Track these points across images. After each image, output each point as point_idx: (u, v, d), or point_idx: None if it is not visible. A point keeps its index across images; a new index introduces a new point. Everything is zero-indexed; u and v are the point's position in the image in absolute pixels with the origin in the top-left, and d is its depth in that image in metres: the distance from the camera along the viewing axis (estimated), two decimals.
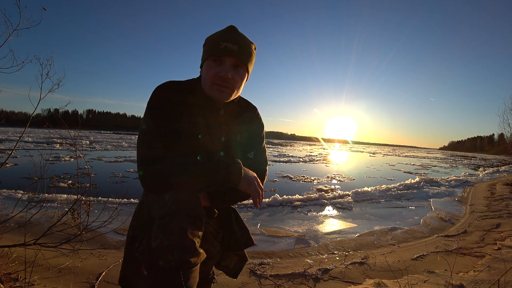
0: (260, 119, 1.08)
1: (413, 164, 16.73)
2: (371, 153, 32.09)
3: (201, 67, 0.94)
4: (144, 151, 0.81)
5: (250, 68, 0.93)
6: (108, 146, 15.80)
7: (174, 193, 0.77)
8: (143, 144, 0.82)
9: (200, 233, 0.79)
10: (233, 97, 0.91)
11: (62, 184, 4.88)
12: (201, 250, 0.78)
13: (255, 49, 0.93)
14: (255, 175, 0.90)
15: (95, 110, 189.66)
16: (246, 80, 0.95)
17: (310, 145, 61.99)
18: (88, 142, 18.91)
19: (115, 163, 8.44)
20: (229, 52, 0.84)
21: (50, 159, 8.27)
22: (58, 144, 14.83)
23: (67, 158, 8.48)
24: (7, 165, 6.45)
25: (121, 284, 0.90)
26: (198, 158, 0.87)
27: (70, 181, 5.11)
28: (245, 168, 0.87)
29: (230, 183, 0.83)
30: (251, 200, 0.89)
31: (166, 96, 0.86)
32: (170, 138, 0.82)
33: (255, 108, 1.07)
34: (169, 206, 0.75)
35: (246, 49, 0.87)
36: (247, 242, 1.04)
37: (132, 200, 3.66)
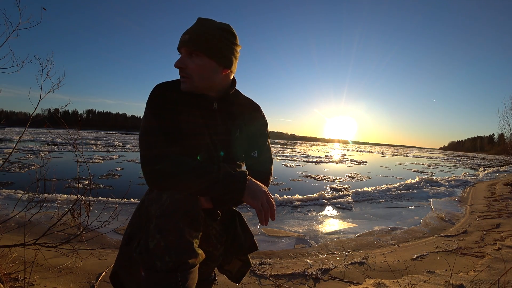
0: (263, 116, 1.04)
1: (422, 164, 17.27)
2: (379, 153, 32.75)
3: None
4: (145, 151, 0.81)
5: (213, 53, 0.84)
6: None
7: (172, 193, 0.76)
8: (145, 143, 0.81)
9: (198, 234, 0.78)
10: (200, 85, 0.86)
11: (78, 185, 4.92)
12: (200, 251, 0.77)
13: (225, 31, 0.86)
14: (265, 188, 0.86)
15: (95, 110, 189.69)
16: (219, 67, 0.87)
17: (317, 145, 62.90)
18: (121, 143, 18.90)
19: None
20: (181, 44, 0.84)
21: (80, 160, 8.34)
22: (94, 146, 15.24)
23: (96, 160, 8.54)
24: (32, 167, 6.41)
25: (112, 280, 0.90)
26: (198, 158, 0.87)
27: (86, 182, 5.13)
28: (253, 180, 0.84)
29: (232, 195, 0.81)
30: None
31: (165, 95, 0.85)
32: (171, 137, 0.82)
33: (258, 106, 1.04)
34: (166, 206, 0.74)
35: (200, 36, 0.82)
36: (251, 247, 1.02)
37: (132, 200, 3.66)
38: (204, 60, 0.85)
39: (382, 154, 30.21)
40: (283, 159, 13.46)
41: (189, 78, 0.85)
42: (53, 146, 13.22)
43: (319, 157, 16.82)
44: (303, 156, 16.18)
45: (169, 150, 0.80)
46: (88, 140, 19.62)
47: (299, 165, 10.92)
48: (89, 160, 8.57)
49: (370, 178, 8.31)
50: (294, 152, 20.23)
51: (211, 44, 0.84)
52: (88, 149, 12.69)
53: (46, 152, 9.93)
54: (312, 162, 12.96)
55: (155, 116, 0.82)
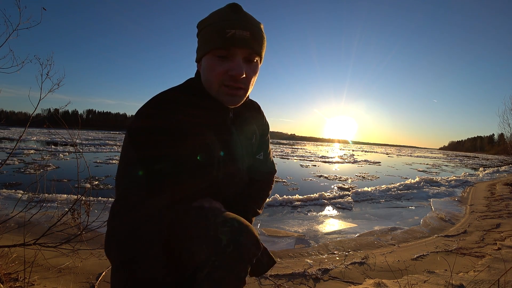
0: (264, 117, 0.95)
1: (426, 164, 17.66)
2: (384, 153, 33.25)
3: (197, 61, 0.72)
4: (121, 191, 0.61)
5: (262, 60, 0.71)
6: None
7: (234, 234, 0.59)
8: (122, 180, 0.62)
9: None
10: (246, 98, 0.72)
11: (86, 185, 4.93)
12: None
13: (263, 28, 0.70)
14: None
15: (95, 110, 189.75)
16: None
17: (321, 145, 63.91)
18: None
19: None
20: (241, 43, 0.61)
21: (99, 161, 8.47)
22: (116, 146, 15.43)
23: (111, 162, 8.55)
24: (46, 168, 6.37)
25: None
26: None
27: (96, 182, 5.13)
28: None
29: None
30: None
31: (155, 120, 0.62)
32: (159, 179, 0.61)
33: (258, 105, 0.93)
34: (228, 254, 0.57)
35: (259, 34, 0.65)
36: (269, 263, 0.90)
37: None
38: (258, 66, 0.70)
39: (388, 154, 30.60)
40: (300, 160, 13.74)
41: (243, 89, 0.67)
42: (71, 147, 13.27)
43: (334, 157, 17.41)
44: (319, 157, 16.62)
45: (151, 199, 0.61)
46: (107, 141, 19.90)
47: (315, 165, 11.17)
48: (107, 161, 8.66)
49: (378, 177, 8.45)
50: (305, 153, 20.66)
51: (265, 46, 0.69)
52: (112, 150, 12.91)
53: (66, 153, 9.96)
54: (328, 162, 13.43)
55: (138, 150, 0.61)
